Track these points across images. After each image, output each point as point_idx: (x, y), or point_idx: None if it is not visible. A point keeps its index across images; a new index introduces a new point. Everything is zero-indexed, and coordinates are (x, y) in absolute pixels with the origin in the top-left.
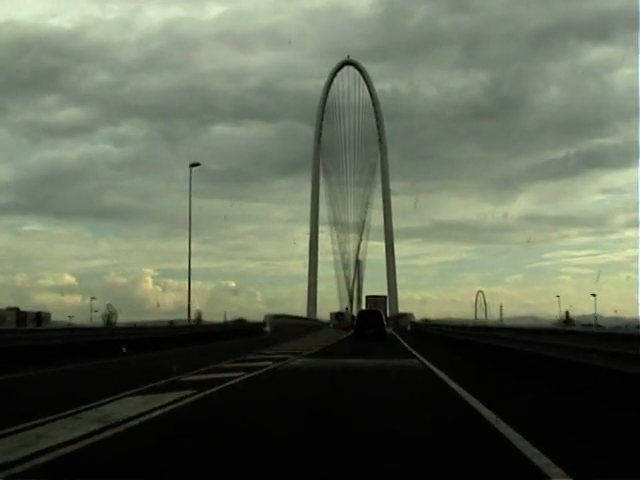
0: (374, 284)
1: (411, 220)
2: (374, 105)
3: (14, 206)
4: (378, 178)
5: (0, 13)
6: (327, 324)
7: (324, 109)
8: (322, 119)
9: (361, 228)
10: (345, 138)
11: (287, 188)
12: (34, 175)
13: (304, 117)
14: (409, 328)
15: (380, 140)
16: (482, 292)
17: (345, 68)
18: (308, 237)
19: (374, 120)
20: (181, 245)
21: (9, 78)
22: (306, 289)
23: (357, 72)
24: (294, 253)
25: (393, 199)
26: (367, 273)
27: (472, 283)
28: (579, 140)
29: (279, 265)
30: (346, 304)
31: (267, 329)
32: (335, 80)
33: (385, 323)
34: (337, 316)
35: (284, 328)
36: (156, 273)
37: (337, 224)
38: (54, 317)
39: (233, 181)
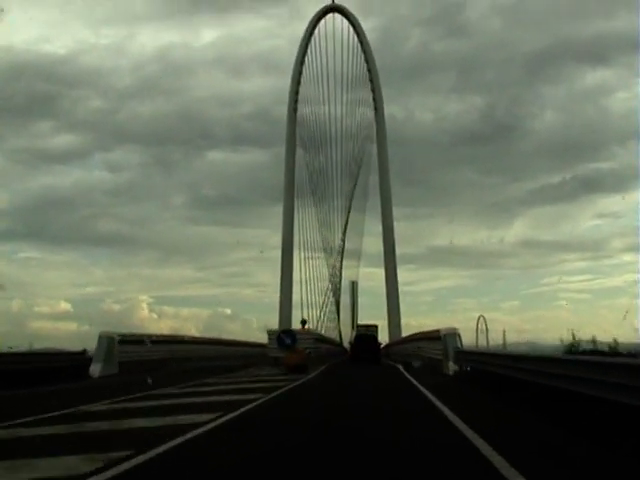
0: (369, 312)
1: (407, 246)
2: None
3: (10, 233)
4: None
5: None
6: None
7: (300, 76)
8: (299, 82)
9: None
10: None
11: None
12: (29, 202)
13: (299, 143)
14: (417, 365)
15: (376, 109)
16: (483, 317)
17: (329, 16)
18: (304, 261)
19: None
20: (177, 272)
21: (3, 104)
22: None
23: (345, 22)
24: (296, 280)
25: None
26: (361, 301)
27: (469, 309)
28: (575, 164)
29: (276, 291)
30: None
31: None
32: (315, 35)
33: (380, 348)
34: (279, 338)
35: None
36: (151, 300)
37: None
38: (50, 344)
39: (229, 207)
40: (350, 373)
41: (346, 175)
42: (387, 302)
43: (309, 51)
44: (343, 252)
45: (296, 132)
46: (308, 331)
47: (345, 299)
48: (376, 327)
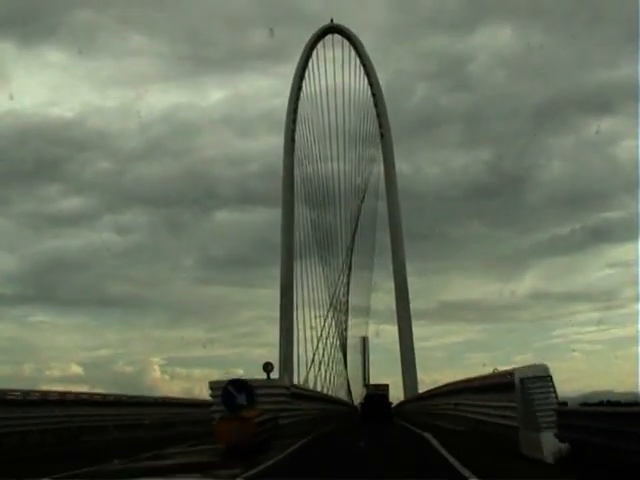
0: (380, 369)
1: (417, 301)
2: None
3: (20, 297)
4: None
5: (0, 103)
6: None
7: (297, 102)
8: (295, 110)
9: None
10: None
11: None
12: (38, 265)
13: (307, 202)
14: (453, 428)
15: (383, 135)
16: (498, 370)
17: (328, 38)
18: (317, 321)
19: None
20: (187, 333)
21: (11, 168)
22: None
23: (346, 44)
24: (301, 338)
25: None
26: (372, 358)
27: (482, 363)
28: (584, 214)
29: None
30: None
31: None
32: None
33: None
34: (226, 394)
35: None
36: (163, 362)
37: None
38: None
39: (239, 267)
40: (349, 448)
41: (350, 223)
42: (401, 358)
43: (307, 74)
44: (348, 308)
45: (294, 167)
46: (281, 384)
47: (355, 358)
48: (387, 386)
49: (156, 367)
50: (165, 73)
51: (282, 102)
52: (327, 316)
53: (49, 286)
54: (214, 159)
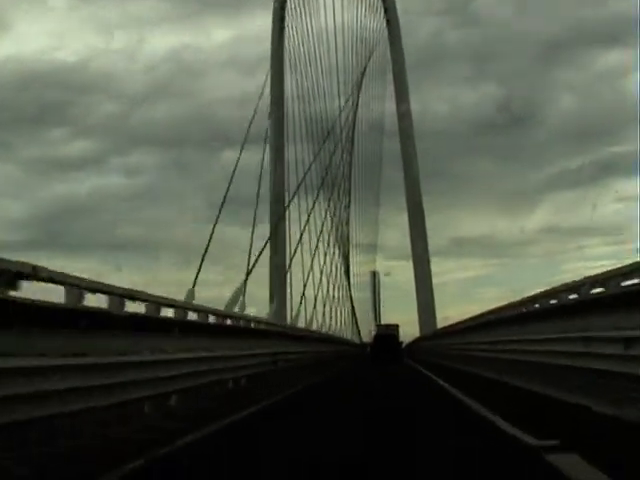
0: (392, 306)
1: (428, 239)
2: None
3: (28, 243)
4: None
5: (2, 49)
6: None
7: None
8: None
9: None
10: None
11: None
12: (45, 211)
13: (310, 139)
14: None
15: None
16: None
17: None
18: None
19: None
20: (201, 274)
21: (14, 114)
22: None
23: None
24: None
25: (404, 217)
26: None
27: (492, 298)
28: (593, 148)
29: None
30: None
31: None
32: None
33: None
34: None
35: None
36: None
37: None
38: None
39: (249, 206)
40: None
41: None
42: (417, 293)
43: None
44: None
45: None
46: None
47: (363, 296)
48: (397, 326)
49: (170, 311)
50: (168, 14)
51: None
52: (328, 250)
53: (58, 231)
54: (220, 100)
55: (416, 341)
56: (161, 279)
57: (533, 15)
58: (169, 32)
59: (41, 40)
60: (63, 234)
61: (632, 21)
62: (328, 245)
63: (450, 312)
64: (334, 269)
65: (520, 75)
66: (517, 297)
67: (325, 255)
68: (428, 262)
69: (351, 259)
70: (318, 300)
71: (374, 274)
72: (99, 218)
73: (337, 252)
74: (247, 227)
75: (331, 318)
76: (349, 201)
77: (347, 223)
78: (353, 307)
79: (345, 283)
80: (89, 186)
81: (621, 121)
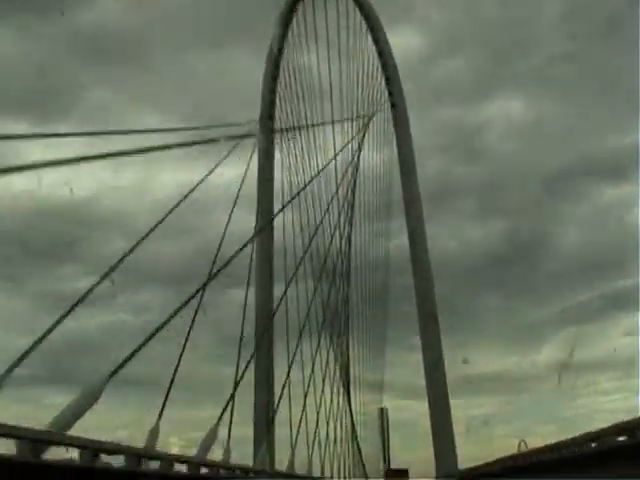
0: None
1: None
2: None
3: (36, 378)
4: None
5: (16, 183)
6: None
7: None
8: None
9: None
10: None
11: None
12: (53, 346)
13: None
14: None
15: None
16: (524, 442)
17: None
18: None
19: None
20: (205, 413)
21: (26, 248)
22: None
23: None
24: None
25: (415, 356)
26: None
27: (504, 436)
28: (602, 282)
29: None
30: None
31: None
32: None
33: None
34: None
35: None
36: (182, 442)
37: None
38: None
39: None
40: None
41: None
42: (432, 433)
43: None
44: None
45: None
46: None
47: (371, 434)
48: (406, 471)
49: (175, 449)
50: (178, 152)
51: (292, 179)
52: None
53: (65, 368)
54: (227, 236)
55: None
56: (169, 417)
57: (537, 149)
58: (178, 169)
59: (53, 174)
60: (70, 370)
61: (636, 156)
62: (324, 382)
63: (461, 451)
64: (335, 409)
65: (526, 209)
66: (528, 435)
67: (322, 393)
68: (446, 397)
69: (356, 398)
70: (317, 440)
71: (382, 411)
72: (106, 354)
73: (337, 391)
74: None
75: (333, 460)
76: (347, 339)
77: (347, 361)
78: (359, 447)
79: (348, 422)
80: (97, 323)
81: (629, 255)
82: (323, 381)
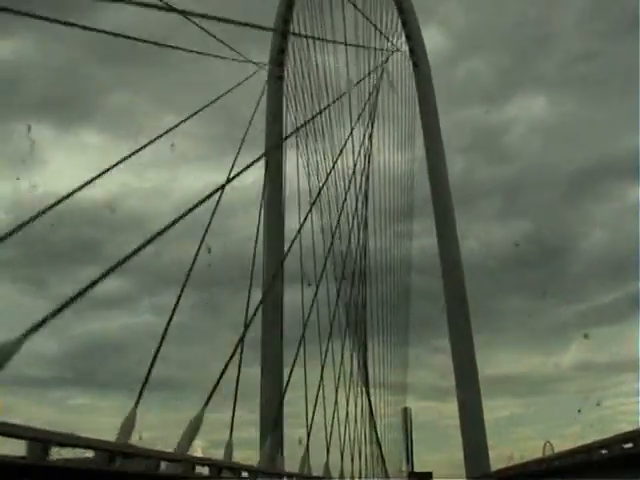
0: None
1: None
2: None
3: (59, 380)
4: None
5: (39, 186)
6: None
7: None
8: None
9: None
10: None
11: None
12: (77, 348)
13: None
14: None
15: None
16: (550, 444)
17: None
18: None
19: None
20: (229, 414)
21: (49, 250)
22: None
23: None
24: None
25: (439, 358)
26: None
27: (528, 438)
28: (626, 283)
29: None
30: None
31: None
32: None
33: None
34: None
35: None
36: (206, 444)
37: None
38: None
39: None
40: None
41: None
42: (462, 433)
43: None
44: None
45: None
46: None
47: (394, 436)
48: (430, 474)
49: (199, 450)
50: (200, 153)
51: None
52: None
53: (88, 369)
54: (249, 238)
55: None
56: (190, 418)
57: (561, 149)
58: (201, 170)
59: (76, 177)
60: (92, 372)
61: None
62: (338, 381)
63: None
64: (354, 408)
65: (550, 209)
66: (552, 438)
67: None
68: (479, 395)
69: (377, 398)
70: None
71: (405, 410)
72: (129, 357)
73: (357, 391)
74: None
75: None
76: (365, 338)
77: (365, 360)
78: (380, 447)
79: (367, 422)
80: (119, 324)
81: None
82: (338, 379)
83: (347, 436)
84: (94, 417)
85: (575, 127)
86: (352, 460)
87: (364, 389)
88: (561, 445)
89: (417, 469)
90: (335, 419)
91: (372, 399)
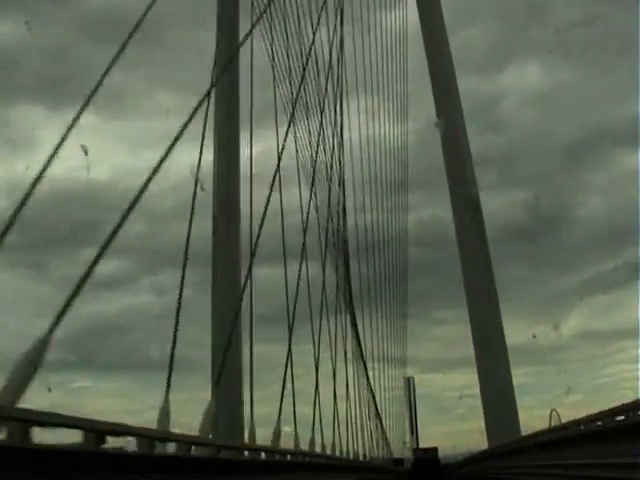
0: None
1: (461, 349)
2: None
3: (62, 363)
4: None
5: (34, 168)
6: None
7: None
8: None
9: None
10: None
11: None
12: (78, 330)
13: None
14: None
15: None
16: (556, 412)
17: None
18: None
19: None
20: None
21: (48, 234)
22: None
23: None
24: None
25: (443, 329)
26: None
27: (530, 407)
28: (626, 250)
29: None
30: None
31: None
32: None
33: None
34: None
35: None
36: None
37: None
38: None
39: (282, 324)
40: None
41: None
42: (483, 402)
43: None
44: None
45: None
46: None
47: (396, 409)
48: (435, 449)
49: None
50: (195, 132)
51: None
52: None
53: (89, 351)
54: (247, 215)
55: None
56: (195, 398)
57: (557, 117)
58: (196, 149)
59: (71, 158)
60: (94, 353)
61: None
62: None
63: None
64: (352, 383)
65: (547, 178)
66: (555, 406)
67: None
68: (506, 355)
69: (378, 373)
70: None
71: (408, 380)
72: (130, 337)
73: (350, 365)
74: (277, 343)
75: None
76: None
77: (357, 333)
78: (381, 422)
79: (365, 396)
80: (120, 305)
81: None
82: (319, 347)
83: (345, 411)
84: (97, 399)
85: (570, 95)
86: (347, 435)
87: (360, 362)
88: (564, 414)
89: (421, 441)
90: (321, 390)
91: (370, 373)
